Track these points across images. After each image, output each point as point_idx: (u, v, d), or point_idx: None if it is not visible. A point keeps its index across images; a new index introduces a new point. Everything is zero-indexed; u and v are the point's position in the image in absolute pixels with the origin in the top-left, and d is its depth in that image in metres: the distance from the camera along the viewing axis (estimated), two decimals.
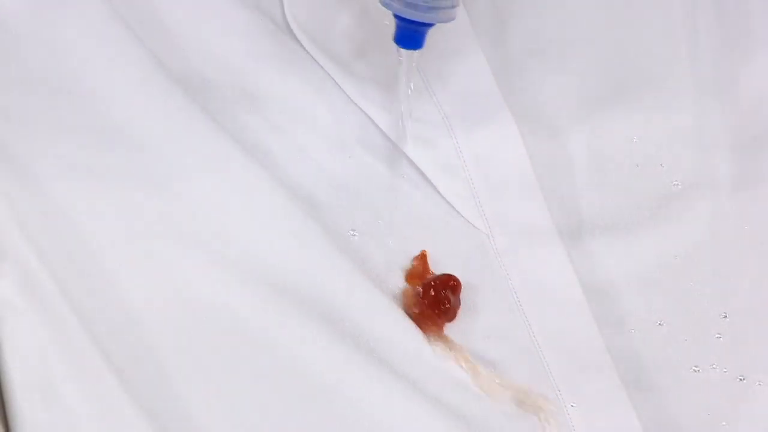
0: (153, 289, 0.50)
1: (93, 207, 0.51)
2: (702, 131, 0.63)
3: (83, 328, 0.47)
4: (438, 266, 0.56)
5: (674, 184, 0.62)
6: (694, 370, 0.55)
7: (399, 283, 0.55)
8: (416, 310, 0.53)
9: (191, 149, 0.54)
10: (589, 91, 0.63)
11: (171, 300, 0.50)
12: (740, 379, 0.55)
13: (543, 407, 0.52)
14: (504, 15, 0.63)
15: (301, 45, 0.60)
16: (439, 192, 0.58)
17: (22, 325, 0.46)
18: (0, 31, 0.54)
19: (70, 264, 0.49)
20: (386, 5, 0.53)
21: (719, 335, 0.57)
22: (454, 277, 0.54)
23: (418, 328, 0.53)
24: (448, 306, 0.53)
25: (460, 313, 0.54)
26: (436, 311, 0.53)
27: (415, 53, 0.55)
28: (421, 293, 0.53)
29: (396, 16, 0.53)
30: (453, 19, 0.53)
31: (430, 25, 0.53)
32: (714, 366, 0.55)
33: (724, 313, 0.57)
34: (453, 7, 0.53)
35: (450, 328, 0.54)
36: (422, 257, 0.56)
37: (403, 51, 0.55)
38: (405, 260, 0.56)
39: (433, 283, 0.54)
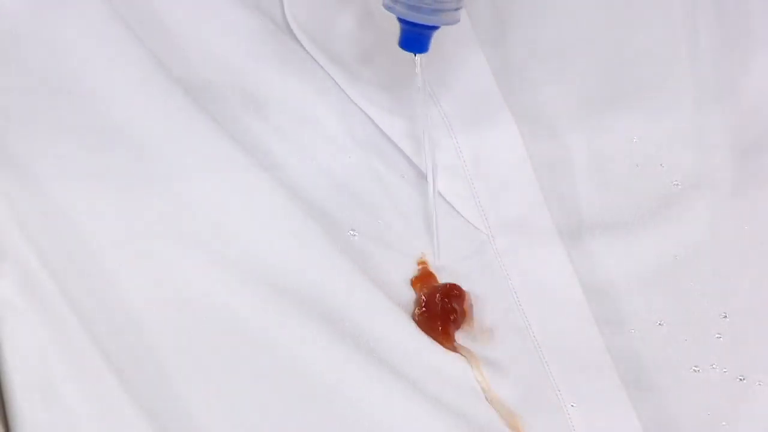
0: (153, 289, 0.50)
1: (93, 207, 0.51)
2: (702, 131, 0.63)
3: (83, 328, 0.47)
4: (438, 266, 0.56)
5: (674, 184, 0.62)
6: (694, 370, 0.55)
7: (399, 283, 0.55)
8: (423, 321, 0.53)
9: (191, 149, 0.54)
10: (589, 91, 0.63)
11: (171, 300, 0.50)
12: (740, 379, 0.55)
13: None
14: (504, 16, 0.63)
15: (301, 45, 0.60)
16: (439, 192, 0.58)
17: (22, 325, 0.46)
18: (0, 31, 0.54)
19: (70, 264, 0.49)
20: (390, 9, 0.52)
21: (719, 335, 0.57)
22: (457, 286, 0.54)
23: (418, 328, 0.53)
24: (454, 316, 0.53)
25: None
26: (442, 322, 0.53)
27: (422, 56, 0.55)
28: (425, 304, 0.53)
29: (400, 20, 0.53)
30: (458, 21, 0.53)
31: (435, 27, 0.53)
32: (714, 366, 0.55)
33: (724, 313, 0.57)
34: (457, 9, 0.52)
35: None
36: (423, 262, 0.56)
37: (415, 56, 0.54)
38: (405, 260, 0.56)
39: (437, 294, 0.54)
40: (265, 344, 0.50)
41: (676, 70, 0.64)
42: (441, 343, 0.53)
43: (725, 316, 0.57)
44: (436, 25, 0.53)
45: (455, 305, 0.53)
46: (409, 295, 0.55)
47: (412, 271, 0.56)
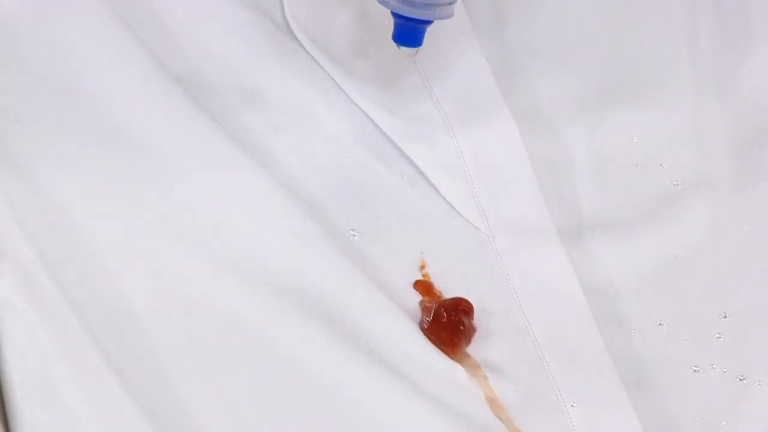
0: (153, 289, 0.50)
1: (93, 207, 0.51)
2: (702, 131, 0.63)
3: (83, 328, 0.47)
4: (438, 266, 0.56)
5: (674, 184, 0.62)
6: (694, 370, 0.55)
7: (399, 282, 0.55)
8: (432, 334, 0.53)
9: (191, 149, 0.54)
10: (589, 91, 0.63)
11: (171, 300, 0.50)
12: (740, 379, 0.55)
13: None
14: (503, 15, 0.63)
15: (301, 45, 0.60)
16: (439, 192, 0.58)
17: (22, 325, 0.46)
18: (0, 32, 0.54)
19: (70, 264, 0.49)
20: (384, 3, 0.52)
21: (719, 335, 0.57)
22: (466, 300, 0.54)
23: (418, 328, 0.53)
24: (462, 329, 0.53)
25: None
26: (453, 338, 0.53)
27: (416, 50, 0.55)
28: (433, 319, 0.53)
29: (394, 14, 0.53)
30: (451, 15, 0.53)
31: (428, 22, 0.53)
32: (714, 366, 0.55)
33: (724, 313, 0.57)
34: (451, 3, 0.53)
35: None
36: (424, 266, 0.56)
37: (404, 49, 0.54)
38: (405, 260, 0.56)
39: (444, 309, 0.53)
40: (265, 344, 0.49)
41: (676, 70, 0.64)
42: (450, 356, 0.52)
43: (725, 316, 0.57)
44: (429, 19, 0.53)
45: (464, 319, 0.53)
46: (410, 295, 0.55)
47: (412, 270, 0.56)
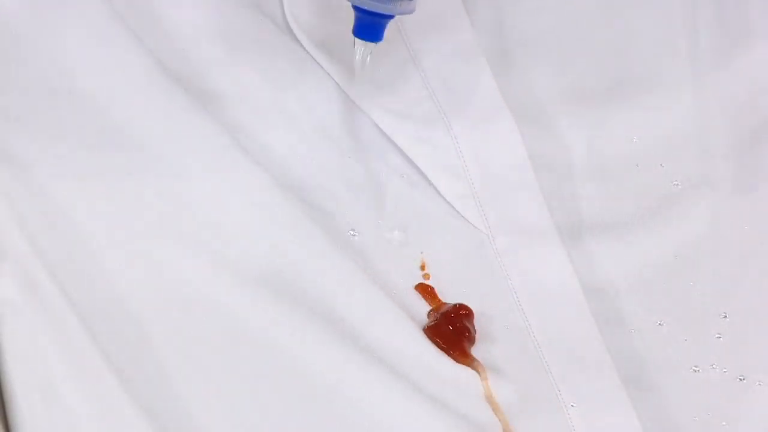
0: (153, 289, 0.50)
1: (93, 207, 0.51)
2: (702, 131, 0.63)
3: (83, 328, 0.47)
4: (438, 266, 0.56)
5: (674, 184, 0.62)
6: (694, 370, 0.55)
7: (399, 283, 0.55)
8: (440, 341, 0.53)
9: (191, 149, 0.54)
10: (588, 90, 0.63)
11: (171, 300, 0.50)
12: (740, 379, 0.55)
13: None
14: (503, 15, 0.63)
15: (301, 45, 0.60)
16: (439, 192, 0.58)
17: (22, 325, 0.46)
18: (0, 32, 0.54)
19: (70, 264, 0.49)
20: None
21: (719, 335, 0.57)
22: (465, 306, 0.54)
23: (418, 328, 0.53)
24: (468, 335, 0.53)
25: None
26: (459, 343, 0.53)
27: (372, 45, 0.54)
28: (438, 326, 0.53)
29: (355, 8, 0.53)
30: (413, 11, 0.53)
31: (389, 17, 0.53)
32: (714, 366, 0.55)
33: (724, 313, 0.57)
34: None
35: None
36: (424, 266, 0.56)
37: (358, 43, 0.54)
38: (405, 260, 0.56)
39: (448, 317, 0.53)
40: (264, 344, 0.49)
41: (675, 70, 0.64)
42: (456, 360, 0.52)
43: (725, 316, 0.57)
44: (390, 14, 0.53)
45: (467, 324, 0.53)
46: (410, 295, 0.55)
47: (412, 270, 0.56)
